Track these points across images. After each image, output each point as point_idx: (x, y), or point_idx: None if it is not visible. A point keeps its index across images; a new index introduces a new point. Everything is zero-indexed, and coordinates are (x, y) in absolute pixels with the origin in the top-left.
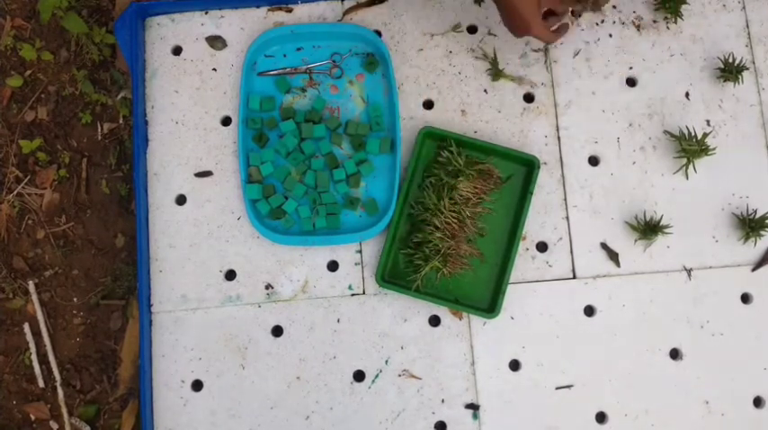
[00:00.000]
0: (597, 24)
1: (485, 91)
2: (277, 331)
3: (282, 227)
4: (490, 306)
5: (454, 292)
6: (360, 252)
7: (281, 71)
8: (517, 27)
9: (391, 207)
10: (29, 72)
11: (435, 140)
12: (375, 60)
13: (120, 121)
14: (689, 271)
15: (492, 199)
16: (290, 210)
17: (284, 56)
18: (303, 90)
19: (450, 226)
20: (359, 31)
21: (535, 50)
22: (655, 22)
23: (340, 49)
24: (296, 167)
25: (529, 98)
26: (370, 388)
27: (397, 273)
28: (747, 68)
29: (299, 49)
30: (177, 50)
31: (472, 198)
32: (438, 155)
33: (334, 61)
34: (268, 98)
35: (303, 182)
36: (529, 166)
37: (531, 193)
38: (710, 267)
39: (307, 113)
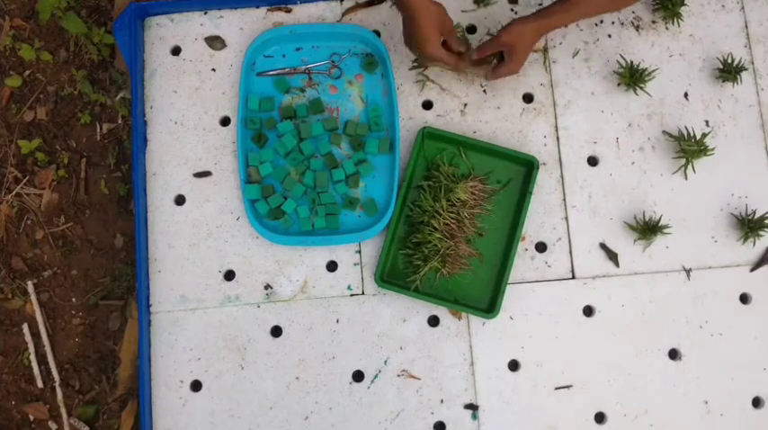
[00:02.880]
0: (596, 25)
1: (484, 91)
2: (276, 331)
3: (281, 227)
4: (489, 306)
5: (453, 292)
6: (359, 252)
7: (280, 71)
8: (415, 42)
9: (390, 207)
10: (28, 72)
11: (435, 141)
12: (374, 61)
13: (119, 121)
14: (688, 271)
15: (490, 201)
16: (289, 210)
17: (283, 56)
18: (302, 90)
19: (448, 226)
20: (358, 31)
21: (534, 51)
22: (654, 22)
23: (339, 50)
24: (295, 167)
25: (528, 98)
26: (369, 388)
27: (396, 274)
28: (746, 69)
29: (298, 50)
30: (176, 50)
31: (470, 201)
32: (439, 161)
33: (333, 61)
34: (267, 98)
35: (302, 182)
36: (528, 167)
37: (531, 193)
38: (709, 267)
39: (306, 113)
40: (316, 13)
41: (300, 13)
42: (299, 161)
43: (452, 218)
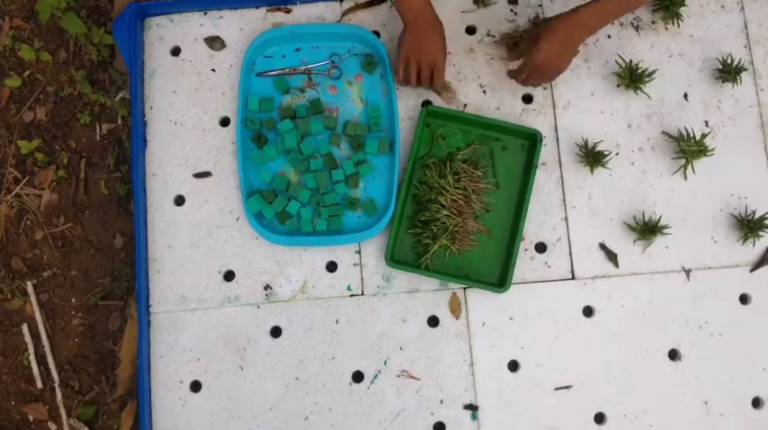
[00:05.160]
0: None
1: (483, 92)
2: (276, 332)
3: (281, 227)
4: (500, 280)
5: (464, 269)
6: (359, 253)
7: (280, 72)
8: (429, 52)
9: (390, 207)
10: (27, 72)
11: (438, 119)
12: (374, 61)
13: (119, 122)
14: (688, 271)
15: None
16: (293, 211)
17: (283, 56)
18: (302, 91)
19: (456, 203)
20: (358, 31)
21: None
22: (653, 23)
23: (339, 50)
24: (295, 168)
25: (528, 99)
26: (368, 388)
27: (405, 254)
28: (746, 69)
29: (297, 50)
30: (176, 51)
31: (469, 169)
32: (440, 136)
33: (332, 62)
34: (267, 99)
35: (303, 183)
36: (531, 140)
37: (536, 167)
38: (709, 268)
39: (305, 113)
40: (315, 14)
41: (300, 13)
42: (298, 161)
43: (459, 194)
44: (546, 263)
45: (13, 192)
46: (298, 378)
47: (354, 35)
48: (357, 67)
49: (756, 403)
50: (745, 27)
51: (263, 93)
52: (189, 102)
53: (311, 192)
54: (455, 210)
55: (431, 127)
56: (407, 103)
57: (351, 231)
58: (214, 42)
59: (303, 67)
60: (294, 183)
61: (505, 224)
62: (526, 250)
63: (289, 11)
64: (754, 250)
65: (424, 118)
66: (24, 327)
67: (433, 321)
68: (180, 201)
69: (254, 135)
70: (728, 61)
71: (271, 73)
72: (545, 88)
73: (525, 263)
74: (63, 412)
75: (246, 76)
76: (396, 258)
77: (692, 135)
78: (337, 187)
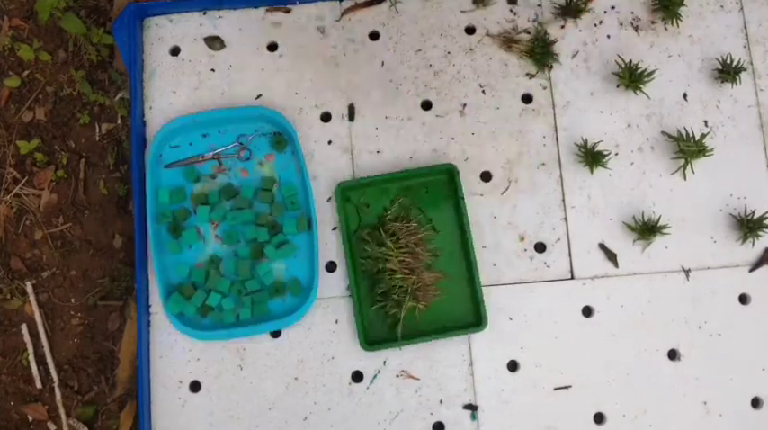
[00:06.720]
0: (595, 25)
1: (483, 92)
2: (275, 332)
3: (203, 322)
4: (476, 319)
5: (439, 321)
6: None
7: (188, 160)
8: None
9: (315, 283)
10: (27, 72)
11: (354, 190)
12: (283, 139)
13: (119, 122)
14: (687, 271)
15: (425, 217)
16: (214, 303)
17: (190, 144)
18: (213, 177)
19: (404, 262)
20: (263, 112)
21: None
22: (653, 23)
23: (246, 131)
24: (212, 257)
25: (527, 99)
26: (368, 388)
27: (377, 331)
28: (745, 69)
29: (204, 136)
30: (175, 51)
31: (403, 226)
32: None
33: (240, 143)
34: (178, 189)
35: (223, 274)
36: (449, 174)
37: (462, 198)
38: (708, 268)
39: (218, 199)
40: (315, 14)
41: (299, 13)
42: (216, 250)
43: (404, 253)
44: (545, 263)
45: (13, 193)
46: (297, 378)
47: (261, 116)
48: (266, 146)
49: (756, 403)
50: (745, 27)
51: (172, 184)
52: (188, 102)
53: (230, 280)
54: (407, 270)
55: (351, 200)
56: (407, 103)
57: (277, 316)
58: (213, 42)
59: (211, 153)
60: (213, 273)
61: (459, 262)
62: (525, 250)
63: (288, 11)
64: (753, 250)
65: (341, 195)
66: (23, 328)
67: None
68: None
69: (168, 227)
70: (728, 61)
71: (180, 163)
72: (545, 88)
73: (524, 263)
74: (62, 412)
75: (154, 170)
76: (370, 340)
77: (691, 135)
78: (258, 272)
